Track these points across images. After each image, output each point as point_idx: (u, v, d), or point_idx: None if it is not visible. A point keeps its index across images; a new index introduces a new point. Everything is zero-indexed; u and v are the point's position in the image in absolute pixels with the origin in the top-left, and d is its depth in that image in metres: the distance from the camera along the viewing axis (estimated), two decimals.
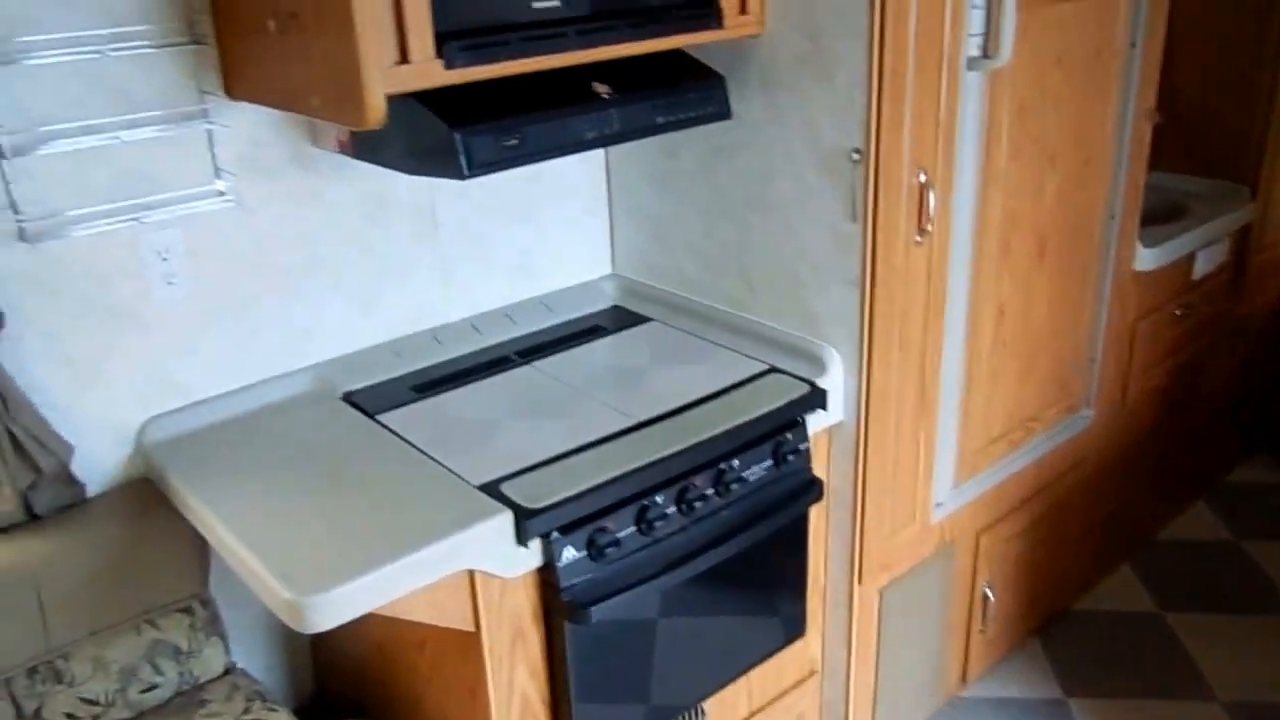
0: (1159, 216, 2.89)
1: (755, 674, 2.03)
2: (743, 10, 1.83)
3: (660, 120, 1.78)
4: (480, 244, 2.16)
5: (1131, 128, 2.38)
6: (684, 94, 1.80)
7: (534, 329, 2.21)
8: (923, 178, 1.86)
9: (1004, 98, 1.99)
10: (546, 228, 2.27)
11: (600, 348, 2.13)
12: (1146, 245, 2.60)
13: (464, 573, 1.51)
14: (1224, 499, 3.38)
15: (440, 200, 2.07)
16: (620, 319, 2.27)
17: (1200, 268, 2.91)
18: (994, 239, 2.09)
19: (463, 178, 1.54)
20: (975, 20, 1.87)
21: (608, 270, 2.41)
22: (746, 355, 2.04)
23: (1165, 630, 2.80)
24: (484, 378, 2.00)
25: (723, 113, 1.86)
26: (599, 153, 2.31)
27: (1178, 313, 2.87)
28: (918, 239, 1.89)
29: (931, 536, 2.22)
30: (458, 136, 1.53)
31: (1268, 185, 3.06)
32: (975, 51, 1.90)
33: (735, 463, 1.79)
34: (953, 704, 2.55)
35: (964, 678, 2.51)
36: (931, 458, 2.13)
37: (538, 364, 2.06)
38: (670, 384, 1.95)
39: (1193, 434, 3.21)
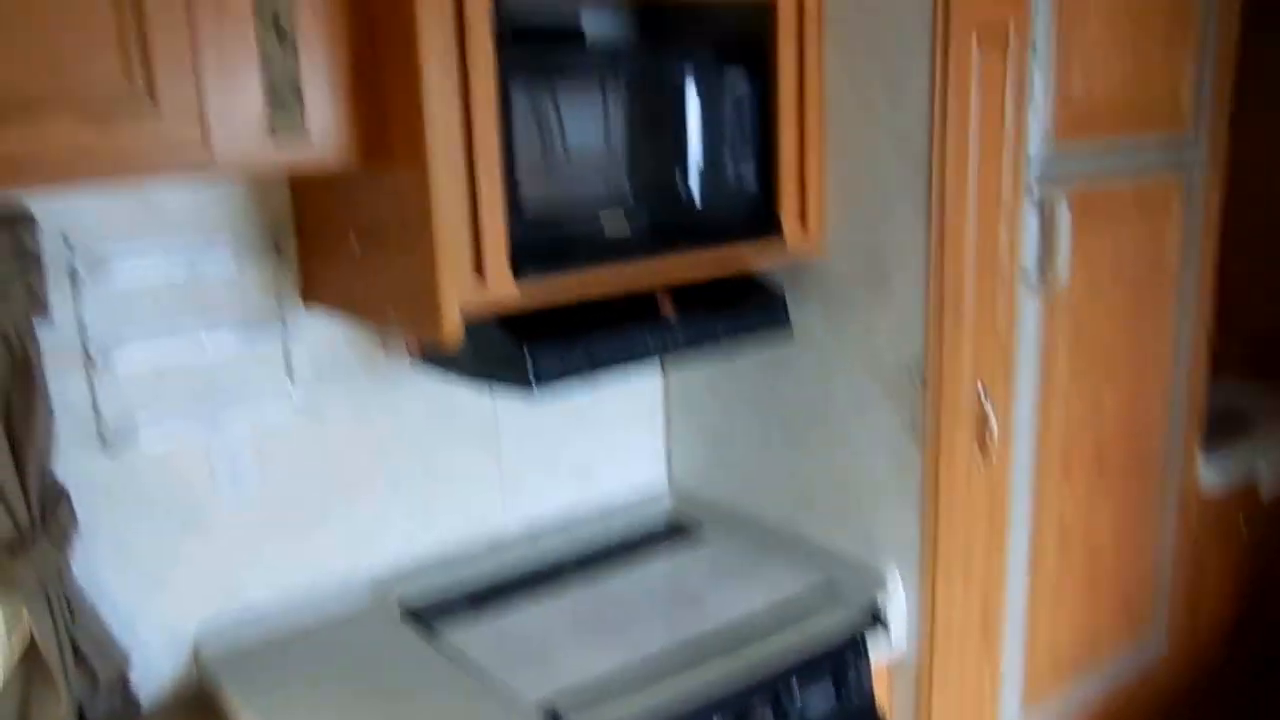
0: (1223, 430, 2.84)
1: None
2: (803, 227, 1.86)
3: (722, 338, 1.79)
4: (540, 452, 2.17)
5: (1189, 343, 2.37)
6: (746, 312, 1.83)
7: (590, 539, 2.19)
8: (984, 397, 1.84)
9: (1061, 316, 2.00)
10: (605, 436, 2.27)
11: (656, 560, 2.09)
12: (1210, 461, 2.55)
13: None
14: None
15: (503, 408, 2.08)
16: (676, 529, 2.24)
17: (1268, 487, 2.83)
18: (1055, 457, 2.06)
19: (530, 391, 1.55)
20: (1031, 242, 1.90)
21: (664, 479, 2.39)
22: (805, 571, 1.99)
23: None
24: (540, 590, 1.97)
25: (784, 330, 1.88)
26: (654, 371, 2.33)
27: (1249, 537, 2.77)
28: (979, 458, 1.86)
29: None
30: (527, 351, 1.55)
31: None
32: (1032, 272, 1.92)
33: (795, 693, 1.71)
34: None
35: None
36: (997, 684, 2.03)
37: (594, 576, 2.02)
38: (727, 601, 1.89)
39: (1269, 665, 3.05)
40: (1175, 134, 2.19)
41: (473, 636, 1.79)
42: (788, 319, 1.88)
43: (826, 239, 1.89)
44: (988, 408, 1.84)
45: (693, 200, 1.73)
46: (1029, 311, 1.93)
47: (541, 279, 1.54)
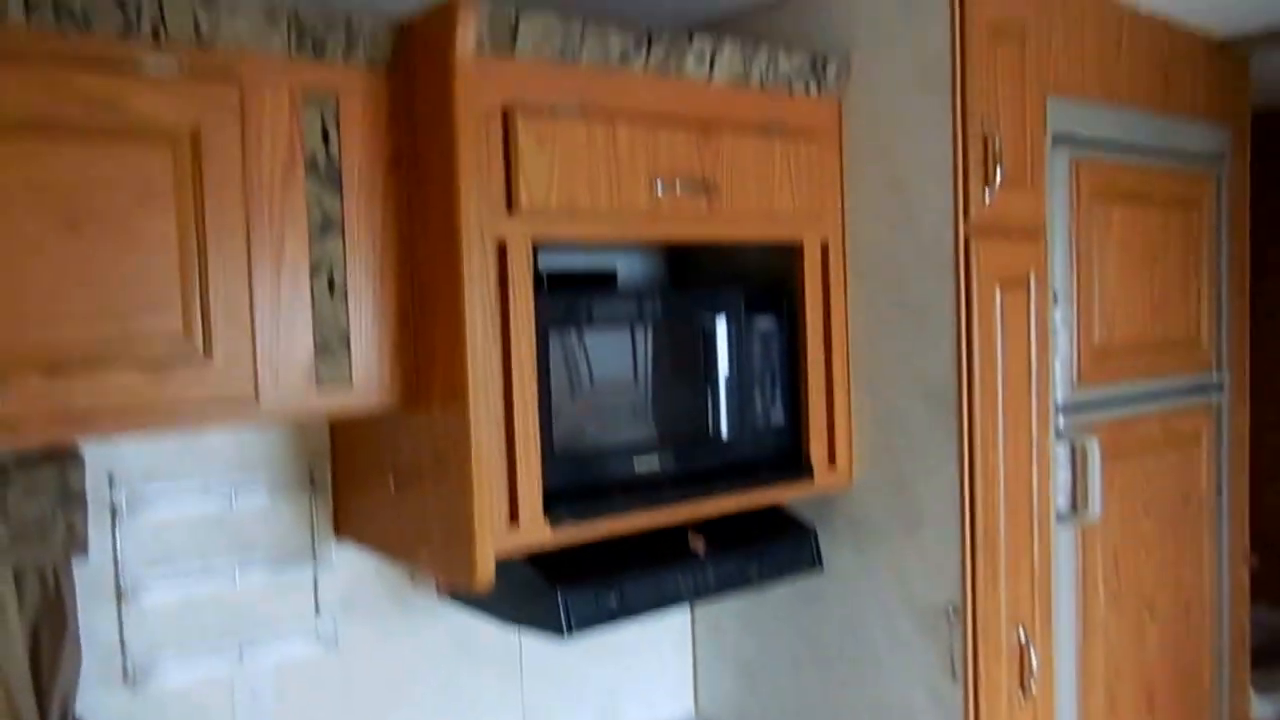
0: (1268, 658, 2.75)
1: None
2: (831, 464, 1.87)
3: (753, 575, 1.78)
4: (564, 685, 2.11)
5: (1229, 571, 2.32)
6: (776, 549, 1.82)
7: None
8: (1022, 633, 1.80)
9: (1096, 548, 1.97)
10: (631, 666, 2.22)
11: None
12: (1261, 691, 2.46)
13: None
14: None
15: (527, 641, 2.04)
16: None
17: None
18: (1100, 692, 1.99)
19: (562, 636, 1.53)
20: (1062, 476, 1.90)
21: (692, 710, 2.32)
22: None
23: None
24: None
25: (814, 566, 1.86)
26: None
27: None
28: (1021, 697, 1.80)
29: None
30: (559, 595, 1.53)
31: None
32: (1064, 505, 1.91)
33: None
34: None
35: None
36: None
37: None
38: None
39: None
40: (1199, 370, 2.22)
41: None
42: (819, 555, 1.87)
43: (857, 477, 1.89)
44: (1027, 645, 1.80)
45: (722, 440, 1.76)
46: (1064, 546, 1.91)
47: (575, 522, 1.55)
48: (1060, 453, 1.90)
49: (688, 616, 2.31)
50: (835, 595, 1.96)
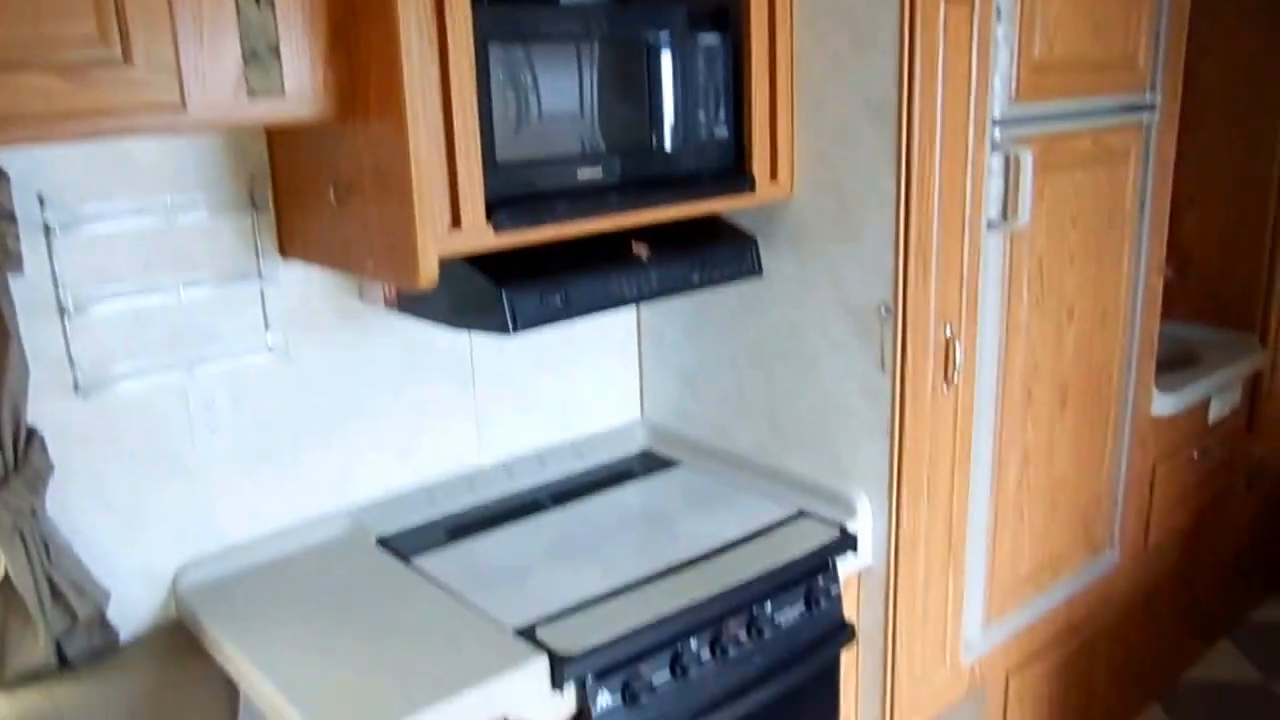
0: (1174, 364, 2.82)
1: None
2: (773, 177, 1.82)
3: (696, 279, 1.76)
4: (515, 392, 2.13)
5: (1144, 282, 2.34)
6: (718, 254, 1.79)
7: (566, 474, 2.16)
8: (949, 331, 1.81)
9: (1023, 256, 1.96)
10: (580, 376, 2.23)
11: (631, 492, 2.07)
12: (1163, 391, 2.53)
13: (498, 718, 1.42)
14: (1250, 638, 3.21)
15: (478, 351, 2.04)
16: (650, 463, 2.22)
17: (1215, 412, 2.82)
18: (1018, 388, 2.03)
19: (508, 334, 1.51)
20: (995, 186, 1.86)
21: (638, 415, 2.36)
22: (776, 500, 1.97)
23: None
24: (517, 522, 1.94)
25: (754, 271, 1.84)
26: (628, 311, 2.29)
27: (1195, 456, 2.77)
28: (945, 389, 1.83)
29: (962, 679, 2.10)
30: (504, 295, 1.51)
31: (1277, 335, 2.99)
32: (995, 214, 1.87)
33: (767, 607, 1.70)
34: None
35: None
36: (961, 600, 2.02)
37: (570, 508, 2.00)
38: (701, 528, 1.88)
39: (1216, 573, 3.06)
40: (1133, 91, 2.15)
41: (449, 565, 1.76)
42: (759, 261, 1.84)
43: (798, 188, 1.84)
44: (953, 341, 1.81)
45: (665, 152, 1.69)
46: (993, 252, 1.90)
47: (518, 228, 1.50)
48: (995, 163, 1.85)
49: (634, 330, 2.31)
50: (775, 302, 1.96)
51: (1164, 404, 2.53)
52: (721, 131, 1.76)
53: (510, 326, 1.51)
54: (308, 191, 1.60)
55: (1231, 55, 2.92)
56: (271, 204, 1.72)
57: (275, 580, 1.73)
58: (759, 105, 1.77)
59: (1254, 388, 2.99)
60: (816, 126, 1.79)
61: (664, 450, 2.27)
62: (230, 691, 1.65)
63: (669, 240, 1.75)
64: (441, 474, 2.06)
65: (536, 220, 1.52)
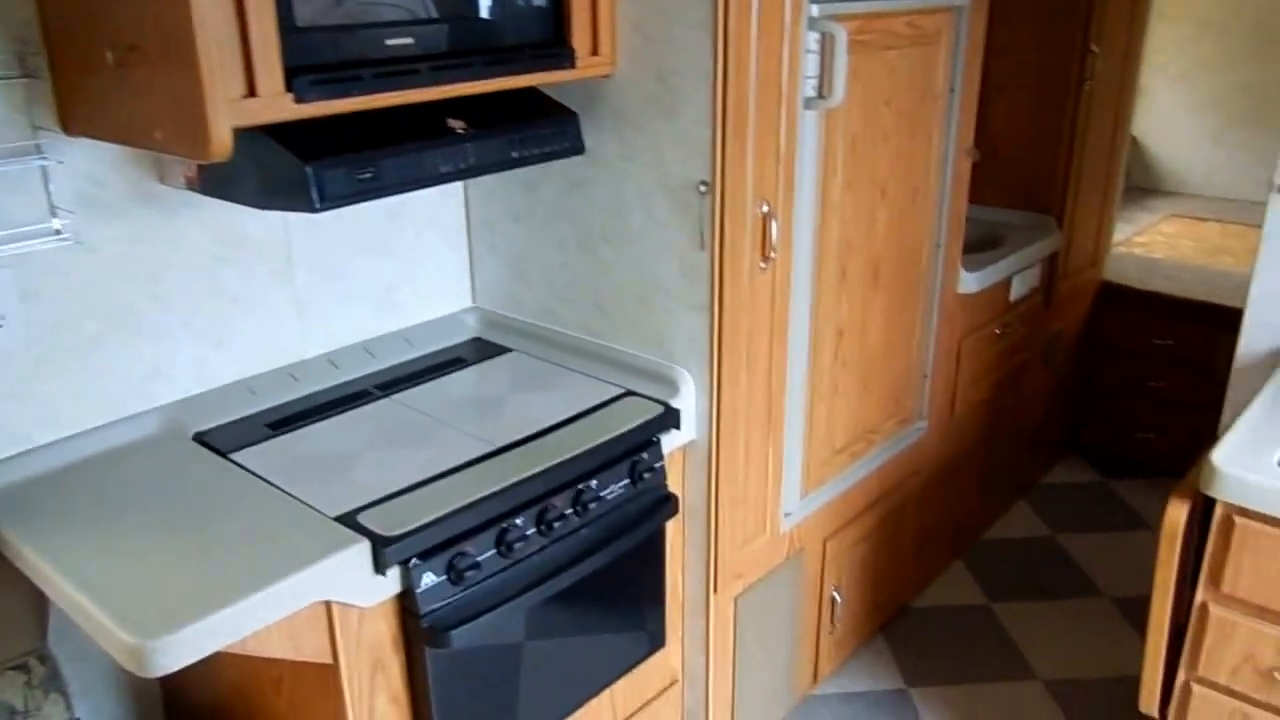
0: (979, 245, 2.94)
1: (618, 687, 1.94)
2: (594, 52, 1.76)
3: (515, 155, 1.69)
4: (338, 279, 2.03)
5: (953, 164, 2.40)
6: (537, 130, 1.72)
7: (393, 362, 2.08)
8: (765, 208, 1.81)
9: (838, 134, 1.97)
10: (406, 261, 2.15)
11: (460, 379, 2.02)
12: (969, 270, 2.63)
13: (320, 604, 1.38)
14: (1042, 498, 3.45)
15: (295, 236, 1.93)
16: (481, 350, 2.17)
17: (1016, 291, 2.96)
18: (832, 265, 2.07)
19: (314, 211, 1.42)
20: (811, 64, 1.85)
21: (468, 303, 2.30)
22: (603, 380, 1.96)
23: (993, 620, 2.82)
24: (342, 412, 1.87)
25: (576, 148, 1.79)
26: (458, 187, 2.21)
27: (998, 331, 2.91)
28: (762, 265, 1.85)
29: (782, 545, 2.18)
30: (309, 170, 1.41)
31: (1071, 217, 3.15)
32: (811, 92, 1.87)
33: (593, 483, 1.70)
34: (806, 702, 2.50)
35: (815, 676, 2.47)
36: (780, 470, 2.08)
37: (397, 397, 1.93)
38: (529, 410, 1.85)
39: (1014, 442, 3.26)
40: None
41: (270, 458, 1.68)
42: (580, 139, 1.79)
43: (619, 66, 1.79)
44: (769, 218, 1.82)
45: (483, 23, 1.60)
46: (809, 130, 1.90)
47: (320, 97, 1.40)
48: (811, 41, 1.84)
49: (463, 215, 2.23)
50: (599, 181, 1.91)
51: (970, 282, 2.63)
52: (543, 1, 1.68)
53: (316, 203, 1.42)
54: (86, 56, 1.44)
55: None
56: (48, 74, 1.54)
57: (81, 483, 1.60)
58: None
59: (1051, 268, 3.16)
60: (637, 4, 1.73)
61: (495, 337, 2.22)
62: (39, 600, 1.55)
63: (488, 115, 1.68)
64: (263, 367, 1.95)
65: (341, 91, 1.42)
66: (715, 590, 2.00)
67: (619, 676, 1.91)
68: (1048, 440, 3.55)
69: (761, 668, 2.24)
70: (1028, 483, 3.52)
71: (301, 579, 1.33)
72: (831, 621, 2.43)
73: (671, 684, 2.08)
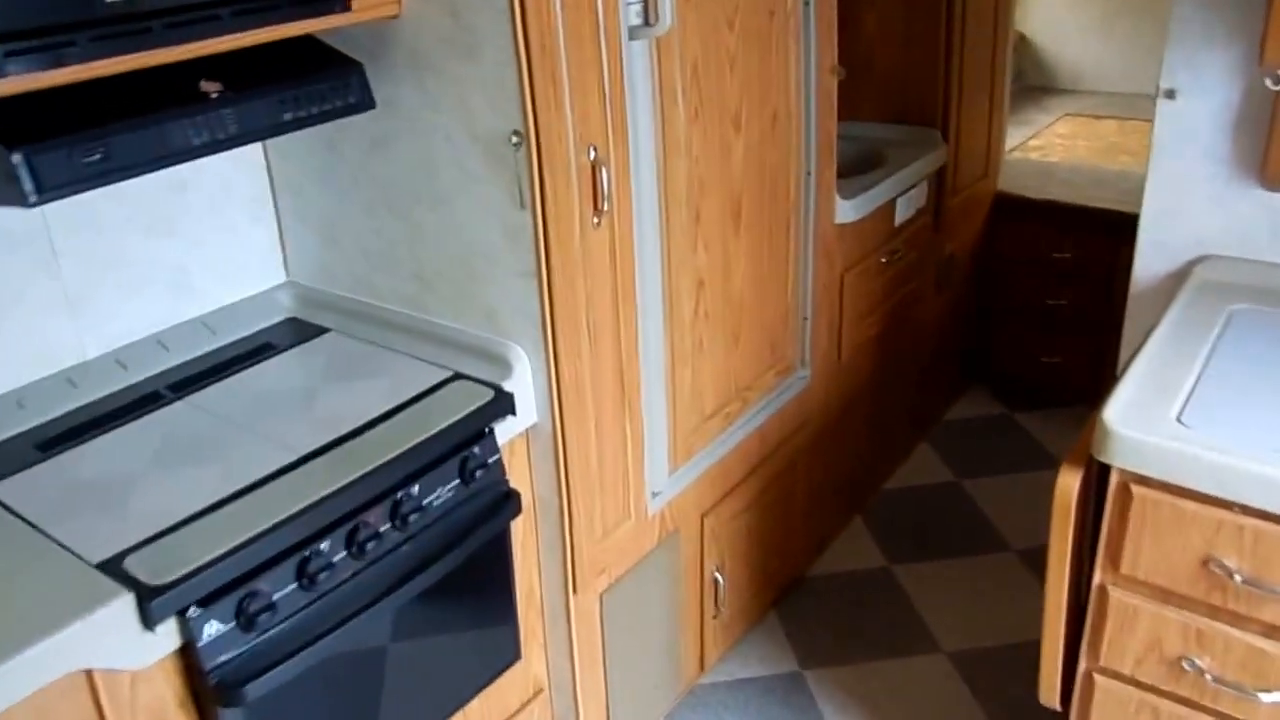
0: (858, 167, 2.89)
1: (473, 708, 1.87)
2: None
3: (288, 117, 1.56)
4: (117, 267, 1.87)
5: (816, 84, 2.33)
6: (313, 85, 1.59)
7: (192, 356, 1.94)
8: (593, 155, 1.72)
9: (674, 64, 1.88)
10: (202, 239, 2.00)
11: (268, 370, 1.90)
12: (845, 197, 2.58)
13: (80, 673, 1.27)
14: (945, 438, 3.48)
15: (56, 222, 1.76)
16: (294, 333, 2.04)
17: (901, 214, 2.93)
18: (683, 209, 1.99)
19: (29, 205, 1.28)
20: None
21: (281, 277, 2.17)
22: (430, 362, 1.86)
23: (893, 585, 2.82)
24: (127, 422, 1.73)
25: (363, 102, 1.66)
26: (255, 151, 2.06)
27: (883, 260, 2.88)
28: (595, 220, 1.76)
29: (651, 529, 2.12)
30: (18, 157, 1.27)
31: (957, 129, 3.13)
32: (636, 20, 1.77)
33: (414, 489, 1.61)
34: (694, 692, 2.48)
35: (702, 665, 2.44)
36: (640, 447, 2.02)
37: (193, 398, 1.81)
38: (344, 404, 1.75)
39: (910, 378, 3.27)
40: None
41: (33, 487, 1.55)
42: (368, 92, 1.66)
43: (407, 4, 1.66)
44: (599, 166, 1.73)
45: None
46: (639, 62, 1.80)
47: (25, 69, 1.25)
48: None
49: (266, 181, 2.09)
50: (402, 136, 1.79)
51: (847, 210, 2.58)
52: None
53: (31, 195, 1.28)
54: None
55: None
56: None
57: None
58: None
59: (939, 184, 3.14)
60: None
61: (311, 316, 2.10)
62: None
63: (253, 73, 1.54)
64: (31, 375, 1.79)
65: (51, 60, 1.27)
66: (575, 590, 1.93)
67: (471, 698, 1.84)
68: (947, 373, 3.57)
69: (638, 664, 2.19)
70: (929, 422, 3.54)
71: (48, 648, 1.21)
72: (716, 605, 2.39)
73: (536, 694, 2.03)
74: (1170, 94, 1.88)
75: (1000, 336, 3.64)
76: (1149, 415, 1.53)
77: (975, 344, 3.69)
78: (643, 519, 2.07)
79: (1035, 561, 2.87)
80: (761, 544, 2.54)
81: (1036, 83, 4.50)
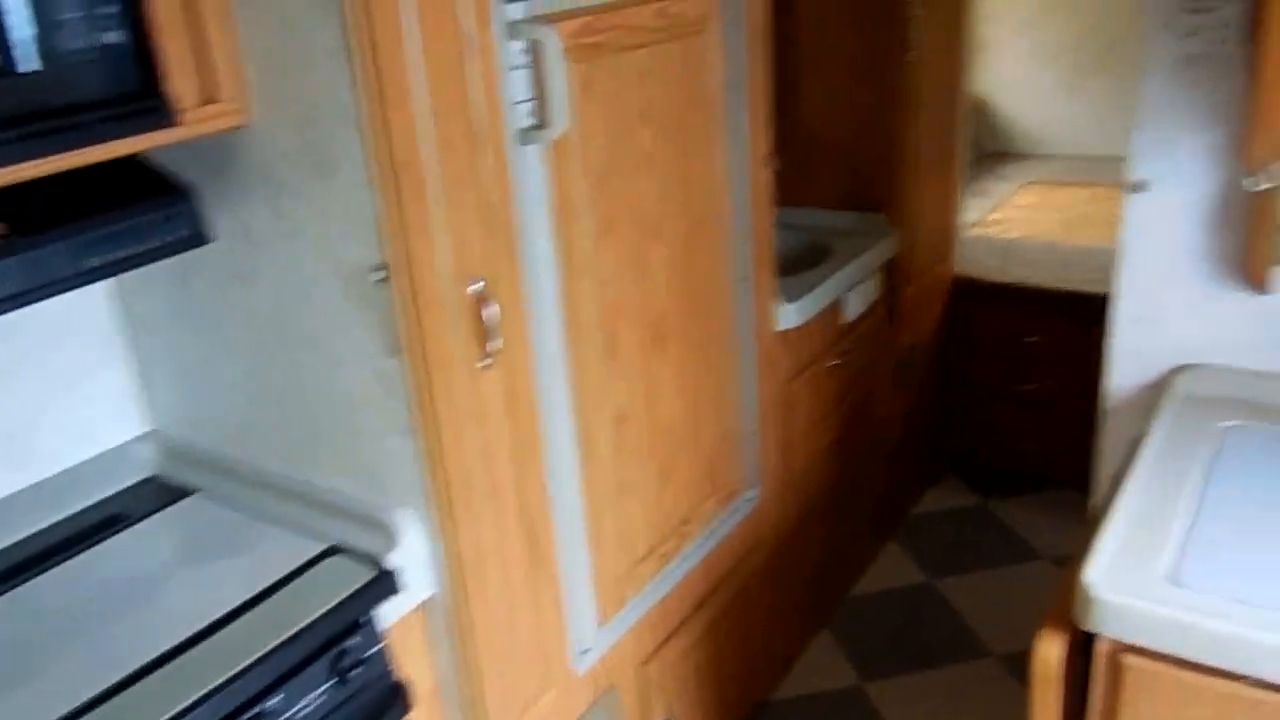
0: (803, 260, 2.64)
1: None
2: (210, 99, 1.35)
3: (96, 263, 1.28)
4: None
5: (749, 178, 2.08)
6: (129, 220, 1.31)
7: (22, 536, 1.63)
8: (477, 287, 1.44)
9: (575, 170, 1.61)
10: (35, 390, 1.69)
11: (114, 549, 1.59)
12: (788, 300, 2.31)
13: None
14: (915, 534, 3.19)
15: None
16: (154, 497, 1.73)
17: (852, 310, 2.67)
18: (595, 338, 1.71)
19: None
20: (519, 84, 1.49)
21: (141, 428, 1.85)
22: (305, 533, 1.56)
23: (866, 706, 2.52)
24: None
25: (195, 237, 1.38)
26: (97, 288, 1.76)
27: (836, 363, 2.61)
28: (483, 363, 1.47)
29: (582, 691, 1.82)
30: None
31: (908, 212, 2.88)
32: (527, 121, 1.51)
33: (272, 702, 1.30)
34: None
35: None
36: (558, 607, 1.72)
37: (15, 593, 1.49)
38: (197, 595, 1.44)
39: (873, 480, 2.99)
40: None
41: None
42: (197, 222, 1.38)
43: (257, 115, 1.39)
44: (485, 299, 1.45)
45: (23, 81, 1.17)
46: (532, 172, 1.53)
47: None
48: (515, 53, 1.48)
49: (114, 315, 1.79)
50: (261, 269, 1.52)
51: (791, 314, 2.32)
52: (114, 35, 1.26)
53: None
54: None
55: None
56: None
57: None
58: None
59: (891, 274, 2.89)
60: (259, 19, 1.34)
61: (177, 473, 1.79)
62: None
63: (57, 206, 1.26)
64: None
65: None
66: None
67: None
68: (916, 466, 3.30)
69: None
70: (896, 522, 3.25)
71: None
72: None
73: None
74: (1140, 186, 1.63)
75: (971, 423, 3.38)
76: (1137, 572, 1.27)
77: (944, 434, 3.42)
78: (570, 682, 1.77)
79: (1019, 667, 2.57)
80: (716, 680, 2.24)
81: (993, 148, 4.26)
